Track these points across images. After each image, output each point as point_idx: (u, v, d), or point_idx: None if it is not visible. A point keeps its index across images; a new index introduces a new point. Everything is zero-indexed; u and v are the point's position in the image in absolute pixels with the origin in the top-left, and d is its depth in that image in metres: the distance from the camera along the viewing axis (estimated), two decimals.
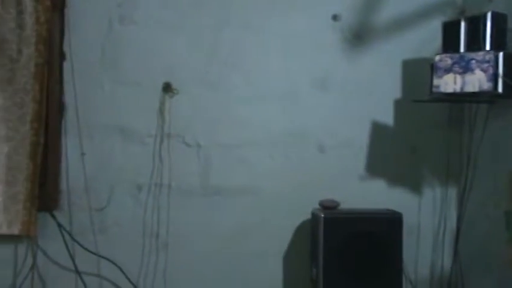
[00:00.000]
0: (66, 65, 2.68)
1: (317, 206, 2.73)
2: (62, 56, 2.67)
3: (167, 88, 2.74)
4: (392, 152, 2.90)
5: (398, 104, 2.90)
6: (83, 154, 2.69)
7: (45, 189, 2.66)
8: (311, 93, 2.87)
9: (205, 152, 2.79)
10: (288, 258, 2.83)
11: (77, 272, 2.67)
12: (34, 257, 2.65)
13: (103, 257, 2.69)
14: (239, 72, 2.82)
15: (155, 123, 2.74)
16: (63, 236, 2.66)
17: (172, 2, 2.76)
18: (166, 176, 2.74)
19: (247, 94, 2.83)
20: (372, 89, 2.89)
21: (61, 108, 2.68)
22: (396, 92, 2.90)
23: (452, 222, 2.90)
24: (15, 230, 2.60)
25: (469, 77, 2.43)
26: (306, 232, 2.79)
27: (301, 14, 2.86)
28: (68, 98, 2.69)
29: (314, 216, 2.71)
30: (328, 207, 2.71)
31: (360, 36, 2.90)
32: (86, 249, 2.67)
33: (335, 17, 2.88)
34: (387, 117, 2.89)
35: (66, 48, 2.68)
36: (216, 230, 2.79)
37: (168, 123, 2.74)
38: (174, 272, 2.75)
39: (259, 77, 2.84)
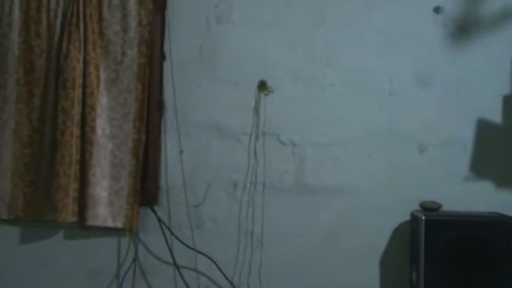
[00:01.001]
0: (166, 64, 2.65)
1: (417, 208, 2.48)
2: (162, 56, 2.64)
3: (262, 86, 2.62)
4: (501, 152, 2.58)
5: (507, 101, 2.58)
6: (181, 152, 2.63)
7: (146, 185, 2.63)
8: (411, 90, 2.63)
9: (300, 150, 2.63)
10: (386, 261, 2.60)
11: (176, 265, 2.62)
12: (136, 249, 2.64)
13: (200, 252, 2.62)
14: (335, 70, 2.65)
15: (250, 121, 2.63)
16: (162, 231, 2.62)
17: (267, 1, 2.64)
18: (261, 174, 2.63)
19: (344, 92, 2.64)
20: (478, 84, 2.59)
21: (161, 106, 2.64)
22: (505, 88, 2.59)
23: None
24: (119, 224, 2.60)
25: None
26: (405, 234, 2.54)
27: (400, 7, 2.63)
28: (167, 97, 2.65)
29: (414, 217, 2.47)
30: (429, 208, 2.46)
31: (464, 29, 2.61)
32: (183, 243, 2.62)
33: (437, 9, 2.61)
34: (495, 115, 2.58)
35: (166, 49, 2.65)
36: (311, 230, 2.63)
37: (263, 121, 2.63)
38: (269, 270, 2.63)
39: (356, 74, 2.64)
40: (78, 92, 2.55)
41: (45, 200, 2.57)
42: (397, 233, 2.59)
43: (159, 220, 2.62)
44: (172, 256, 2.62)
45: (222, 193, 2.65)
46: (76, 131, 2.56)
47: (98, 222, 2.58)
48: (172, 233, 2.62)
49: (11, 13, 2.58)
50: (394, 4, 2.62)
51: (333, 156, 2.63)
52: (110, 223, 2.59)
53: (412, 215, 2.50)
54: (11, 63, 2.60)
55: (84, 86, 2.57)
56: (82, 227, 2.60)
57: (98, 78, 2.59)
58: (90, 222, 2.57)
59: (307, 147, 2.64)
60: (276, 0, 2.64)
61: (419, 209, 2.48)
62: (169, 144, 2.66)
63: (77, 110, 2.55)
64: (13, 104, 2.60)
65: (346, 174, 2.62)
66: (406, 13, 2.62)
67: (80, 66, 2.55)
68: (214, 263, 2.60)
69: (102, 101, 2.60)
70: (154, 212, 2.63)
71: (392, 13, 2.62)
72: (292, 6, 2.63)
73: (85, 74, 2.57)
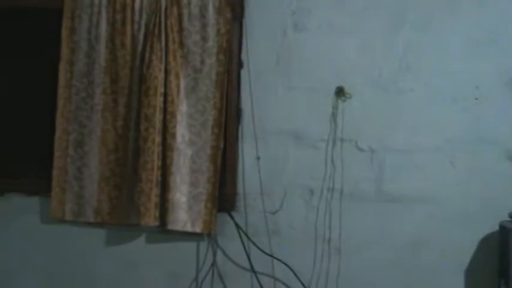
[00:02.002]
0: (243, 72, 2.59)
1: (506, 218, 2.26)
2: (240, 65, 2.58)
3: (340, 92, 2.50)
4: None
5: None
6: (258, 158, 2.55)
7: (223, 191, 2.58)
8: (498, 94, 2.43)
9: (378, 157, 2.48)
10: (471, 274, 2.39)
11: (253, 271, 2.54)
12: (214, 254, 2.59)
13: (277, 259, 2.53)
14: (415, 75, 2.48)
15: (328, 128, 2.52)
16: (240, 236, 2.55)
17: (344, 6, 2.53)
18: (339, 181, 2.50)
19: (424, 97, 2.47)
20: None
21: (238, 114, 2.58)
22: None
23: None
24: (198, 228, 2.56)
25: None
26: (493, 246, 2.32)
27: (487, 8, 2.43)
28: (245, 104, 2.58)
29: (503, 228, 2.25)
30: None
31: None
32: (261, 250, 2.53)
33: None
34: None
35: (243, 57, 2.58)
36: (391, 239, 2.47)
37: (340, 128, 2.50)
38: (346, 278, 2.49)
39: (438, 78, 2.46)
40: (159, 100, 2.54)
41: (129, 204, 2.58)
42: (484, 244, 2.37)
43: (237, 226, 2.56)
44: (249, 262, 2.54)
45: (299, 200, 2.54)
46: (158, 138, 2.55)
47: (178, 227, 2.55)
48: (249, 239, 2.55)
49: (98, 26, 2.62)
50: (480, 5, 2.42)
51: (413, 163, 2.46)
52: (189, 228, 2.56)
53: (501, 225, 2.27)
54: (98, 73, 2.63)
55: (165, 94, 2.56)
56: (162, 231, 2.58)
57: (178, 86, 2.57)
58: (170, 227, 2.54)
59: (387, 153, 2.48)
60: (354, 4, 2.52)
61: (510, 219, 2.25)
62: (246, 151, 2.59)
63: (158, 118, 2.54)
64: (100, 112, 2.63)
65: (428, 182, 2.45)
66: (493, 14, 2.42)
67: (162, 75, 2.54)
68: (292, 270, 2.50)
69: (182, 109, 2.58)
70: (232, 218, 2.57)
71: (478, 14, 2.42)
72: (370, 10, 2.50)
73: (166, 83, 2.55)
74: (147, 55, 2.55)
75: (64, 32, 2.64)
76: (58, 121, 2.65)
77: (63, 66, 2.65)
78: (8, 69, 2.80)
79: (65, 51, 2.64)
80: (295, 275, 2.50)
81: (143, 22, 2.58)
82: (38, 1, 2.71)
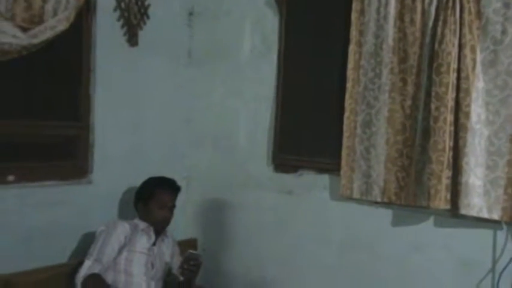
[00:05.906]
0: None
1: None
2: None
3: None
4: None
5: None
6: None
7: None
8: None
9: None
10: None
11: None
12: None
13: None
14: None
15: None
16: None
17: None
18: None
19: None
20: None
21: None
22: None
23: None
24: (496, 215, 2.20)
25: None
26: None
27: None
28: None
29: None
30: None
31: None
32: None
33: None
34: None
35: None
36: None
37: None
38: None
39: None
40: (452, 77, 2.24)
41: (417, 185, 2.36)
42: None
43: None
44: None
45: None
46: (450, 117, 2.25)
47: (472, 212, 2.22)
48: None
49: (388, 5, 2.43)
50: None
51: None
52: (485, 214, 2.21)
53: None
54: (385, 53, 2.46)
55: (458, 70, 2.23)
56: (453, 215, 2.29)
57: (474, 60, 2.22)
58: (463, 211, 2.23)
59: None
60: None
61: None
62: None
63: (450, 96, 2.24)
64: (387, 92, 2.46)
65: None
66: None
67: (455, 50, 2.23)
68: None
69: (478, 85, 2.22)
70: None
71: None
72: None
73: (460, 58, 2.23)
74: (439, 30, 2.26)
75: (353, 15, 2.53)
76: (347, 102, 2.56)
77: (352, 48, 2.54)
78: (305, 55, 2.79)
79: (353, 34, 2.53)
80: None
81: None
82: None
